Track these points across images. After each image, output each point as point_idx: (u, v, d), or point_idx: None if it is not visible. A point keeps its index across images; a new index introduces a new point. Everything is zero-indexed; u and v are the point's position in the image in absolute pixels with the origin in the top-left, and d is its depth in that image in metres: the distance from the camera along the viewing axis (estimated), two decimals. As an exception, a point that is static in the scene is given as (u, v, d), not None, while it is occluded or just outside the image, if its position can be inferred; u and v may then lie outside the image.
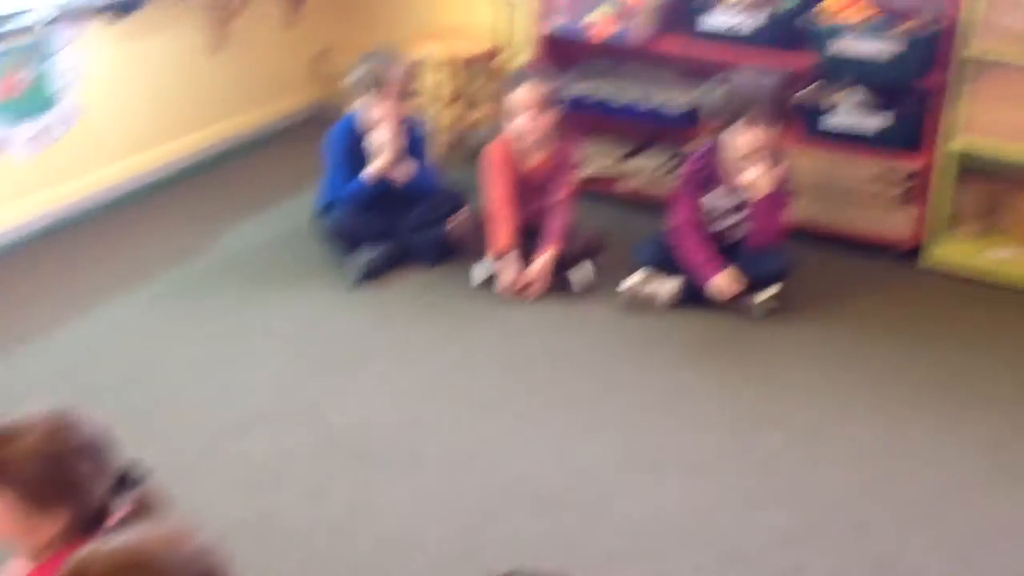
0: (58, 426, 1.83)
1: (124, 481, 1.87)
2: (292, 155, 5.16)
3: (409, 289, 4.09)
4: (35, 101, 4.30)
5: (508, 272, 4.04)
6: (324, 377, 3.53)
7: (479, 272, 4.12)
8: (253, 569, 1.67)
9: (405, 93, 4.22)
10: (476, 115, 5.21)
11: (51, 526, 1.80)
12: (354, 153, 4.18)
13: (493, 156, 4.16)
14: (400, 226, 4.19)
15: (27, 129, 4.29)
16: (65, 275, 4.09)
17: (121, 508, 1.82)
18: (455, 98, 5.18)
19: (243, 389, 3.44)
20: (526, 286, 4.03)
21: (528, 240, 4.08)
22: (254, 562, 1.63)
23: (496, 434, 3.27)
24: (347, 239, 4.15)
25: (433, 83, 5.08)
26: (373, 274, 4.09)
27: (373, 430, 3.27)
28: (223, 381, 3.48)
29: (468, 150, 4.97)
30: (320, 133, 4.39)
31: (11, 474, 1.77)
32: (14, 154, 4.25)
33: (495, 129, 4.36)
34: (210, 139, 5.11)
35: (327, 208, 4.25)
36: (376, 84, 4.12)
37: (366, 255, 4.10)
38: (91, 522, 1.81)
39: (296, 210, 4.56)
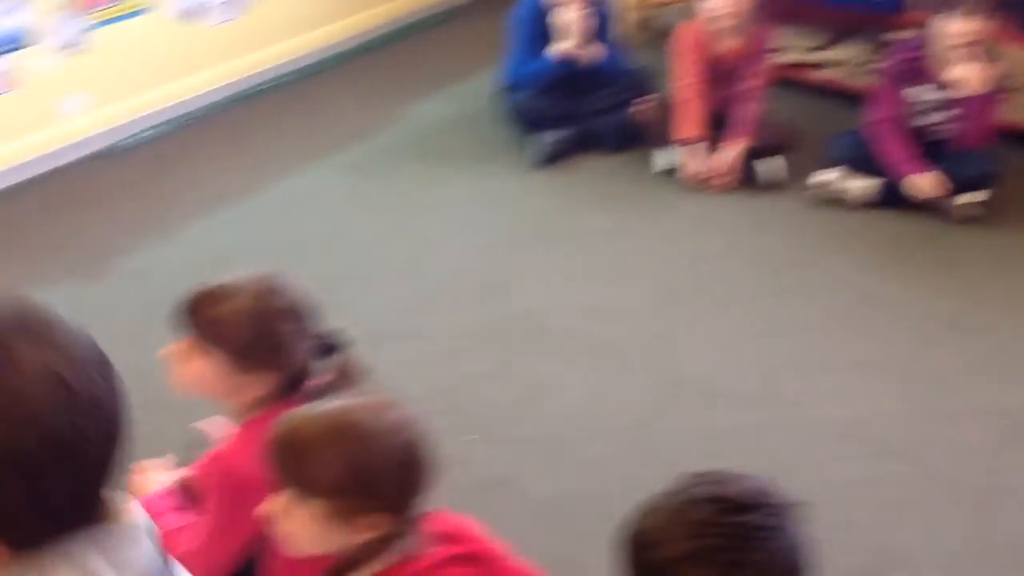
0: (266, 289, 1.85)
1: (326, 347, 1.90)
2: (476, 31, 5.09)
3: (591, 173, 4.01)
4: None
5: (695, 162, 3.91)
6: (504, 257, 3.52)
7: (663, 159, 4.01)
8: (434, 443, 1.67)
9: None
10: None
11: (256, 387, 1.84)
12: (539, 32, 4.08)
13: (684, 39, 3.99)
14: (584, 109, 4.10)
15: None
16: (256, 142, 4.18)
17: (324, 374, 1.85)
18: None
19: (424, 265, 3.47)
20: (713, 177, 3.90)
21: (716, 127, 3.94)
22: (434, 436, 1.63)
23: (674, 326, 3.21)
24: (530, 120, 4.09)
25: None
26: (555, 156, 4.03)
27: (551, 313, 3.25)
28: (405, 255, 3.51)
29: (657, 32, 4.80)
30: (505, 10, 4.29)
31: (222, 334, 1.81)
32: (210, 21, 4.33)
33: (687, 10, 4.18)
34: (395, 13, 5.09)
35: (510, 88, 4.18)
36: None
37: (549, 137, 4.04)
38: (294, 386, 1.84)
39: (478, 88, 4.51)
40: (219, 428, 2.14)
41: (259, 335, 1.81)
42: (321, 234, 3.61)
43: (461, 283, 3.38)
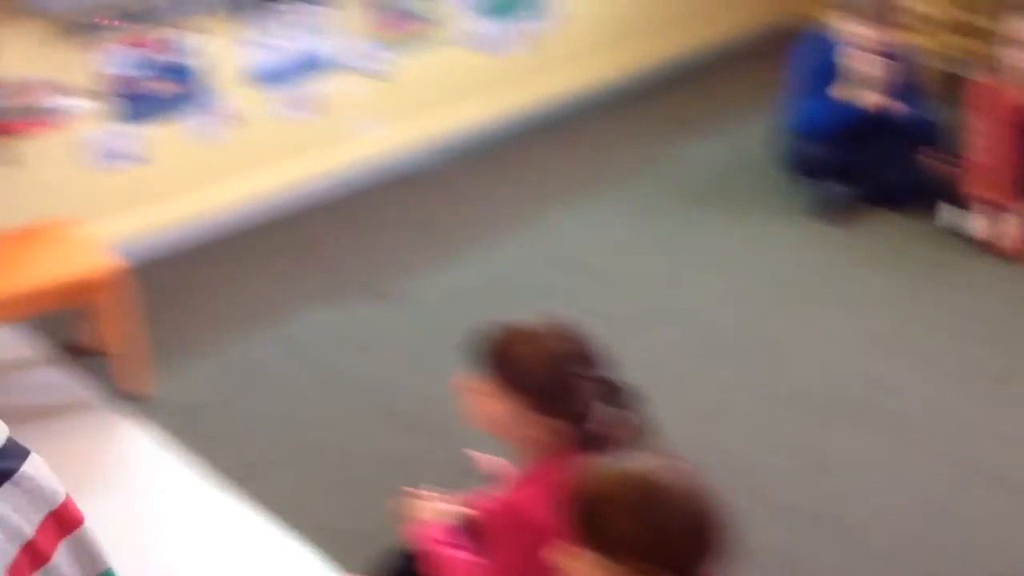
0: (563, 334, 1.85)
1: (615, 396, 1.87)
2: (753, 72, 4.99)
3: (875, 230, 3.83)
4: (524, 2, 4.48)
5: (993, 228, 3.66)
6: (776, 312, 3.40)
7: (957, 221, 3.77)
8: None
9: (891, 17, 3.91)
10: (970, 46, 4.74)
11: (546, 432, 1.83)
12: (827, 75, 3.93)
13: (986, 94, 3.75)
14: (872, 160, 3.92)
15: (516, 28, 4.48)
16: (534, 174, 4.25)
17: (611, 424, 1.82)
18: (946, 25, 4.74)
19: (691, 313, 3.40)
20: (1012, 246, 3.63)
21: (1019, 190, 3.66)
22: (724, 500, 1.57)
23: (961, 404, 2.98)
24: (811, 168, 3.95)
25: (923, 8, 4.67)
26: (837, 209, 3.88)
27: (826, 377, 3.10)
28: (672, 301, 3.45)
29: (957, 85, 4.55)
30: (785, 50, 4.16)
31: (519, 376, 1.81)
32: (502, 51, 4.46)
33: (991, 63, 3.94)
34: (670, 50, 5.07)
35: (793, 133, 4.06)
36: (861, 5, 3.84)
37: (831, 187, 3.89)
38: (583, 434, 1.83)
39: (755, 131, 4.41)
40: (496, 465, 2.16)
41: (555, 381, 1.81)
42: (589, 273, 3.61)
43: (730, 335, 3.29)
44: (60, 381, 3.05)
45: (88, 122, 3.50)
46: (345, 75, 4.08)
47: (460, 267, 3.63)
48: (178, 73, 3.68)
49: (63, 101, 3.41)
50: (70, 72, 3.41)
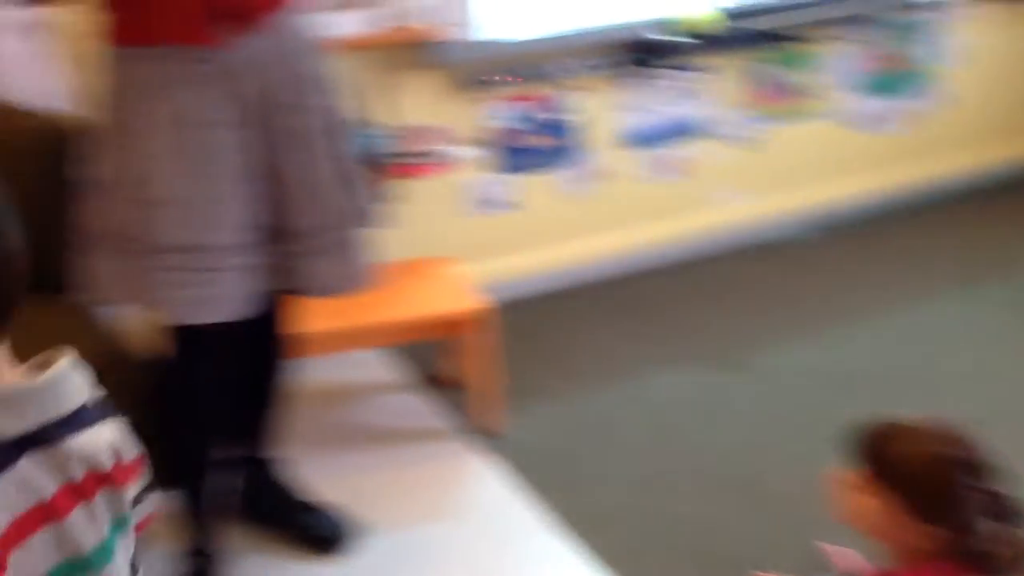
0: (952, 438, 1.75)
1: (1000, 511, 1.74)
2: None
3: None
4: (912, 79, 4.32)
5: None
6: None
7: None
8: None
9: None
10: None
11: (919, 538, 1.73)
12: None
13: None
14: None
15: (897, 107, 4.34)
16: (895, 258, 4.06)
17: (1002, 544, 1.69)
18: None
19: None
20: None
21: None
22: None
23: None
24: None
25: None
26: None
27: None
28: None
29: None
30: None
31: (900, 476, 1.73)
32: (880, 130, 4.33)
33: None
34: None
35: None
36: None
37: None
38: (963, 549, 1.71)
39: None
40: (851, 560, 2.07)
41: (938, 486, 1.71)
42: (959, 373, 3.35)
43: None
44: (419, 408, 3.24)
45: (470, 169, 3.72)
46: (713, 142, 4.09)
47: (814, 345, 3.52)
48: (555, 129, 3.83)
49: (451, 148, 3.65)
50: (459, 122, 3.64)
